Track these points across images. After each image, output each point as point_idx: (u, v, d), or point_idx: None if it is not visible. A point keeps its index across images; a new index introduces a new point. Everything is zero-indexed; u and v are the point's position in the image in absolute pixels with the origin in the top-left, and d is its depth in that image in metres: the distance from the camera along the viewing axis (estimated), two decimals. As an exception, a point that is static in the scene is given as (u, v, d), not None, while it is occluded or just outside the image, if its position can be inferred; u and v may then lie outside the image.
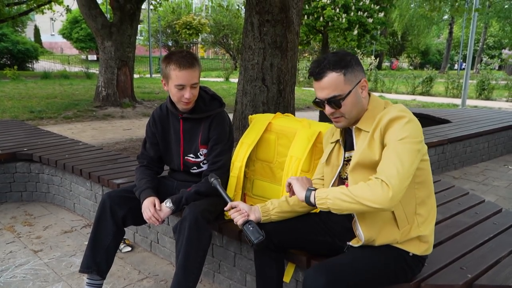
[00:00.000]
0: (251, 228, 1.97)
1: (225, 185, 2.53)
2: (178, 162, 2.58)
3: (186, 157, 2.55)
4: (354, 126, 1.87)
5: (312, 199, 1.79)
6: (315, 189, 1.80)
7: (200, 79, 2.40)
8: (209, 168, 2.48)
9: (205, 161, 2.54)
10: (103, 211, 2.40)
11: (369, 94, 1.88)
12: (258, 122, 2.67)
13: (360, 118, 1.85)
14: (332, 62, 1.77)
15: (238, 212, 2.06)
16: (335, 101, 1.79)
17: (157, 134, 2.59)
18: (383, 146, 1.74)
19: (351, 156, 1.91)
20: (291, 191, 1.95)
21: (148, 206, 2.32)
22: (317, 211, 2.20)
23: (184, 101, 2.36)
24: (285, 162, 2.47)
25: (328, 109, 1.82)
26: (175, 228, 2.23)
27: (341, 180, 1.97)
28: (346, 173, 1.92)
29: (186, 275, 2.14)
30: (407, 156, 1.65)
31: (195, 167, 2.56)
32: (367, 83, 1.85)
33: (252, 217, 2.03)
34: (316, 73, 1.79)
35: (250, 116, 2.79)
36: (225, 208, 2.15)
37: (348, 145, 1.95)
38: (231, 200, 2.15)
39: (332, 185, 1.97)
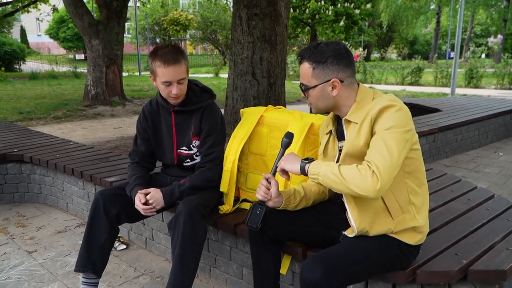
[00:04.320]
0: (257, 212, 1.95)
1: (219, 178, 2.53)
2: (172, 155, 2.57)
3: (179, 150, 2.55)
4: (343, 118, 1.88)
5: (306, 170, 1.82)
6: (309, 161, 1.84)
7: (190, 75, 2.38)
8: (202, 160, 2.48)
9: (198, 153, 2.53)
10: (96, 210, 2.39)
11: (358, 85, 1.89)
12: (250, 115, 2.66)
13: (344, 110, 1.88)
14: (311, 53, 1.83)
15: (265, 191, 1.96)
16: (302, 88, 1.90)
17: (148, 129, 2.58)
18: (372, 135, 1.75)
19: (344, 146, 1.92)
20: (286, 174, 1.95)
21: (138, 205, 2.33)
22: None
23: (172, 96, 2.36)
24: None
25: (302, 92, 1.92)
26: (170, 224, 2.23)
27: None
28: None
29: (182, 271, 2.14)
30: (395, 147, 1.66)
31: (188, 160, 2.55)
32: (340, 84, 1.83)
33: (270, 203, 1.97)
34: (299, 56, 1.89)
35: (241, 110, 2.78)
36: (265, 176, 2.00)
37: (339, 135, 1.96)
38: (274, 173, 2.00)
39: None
